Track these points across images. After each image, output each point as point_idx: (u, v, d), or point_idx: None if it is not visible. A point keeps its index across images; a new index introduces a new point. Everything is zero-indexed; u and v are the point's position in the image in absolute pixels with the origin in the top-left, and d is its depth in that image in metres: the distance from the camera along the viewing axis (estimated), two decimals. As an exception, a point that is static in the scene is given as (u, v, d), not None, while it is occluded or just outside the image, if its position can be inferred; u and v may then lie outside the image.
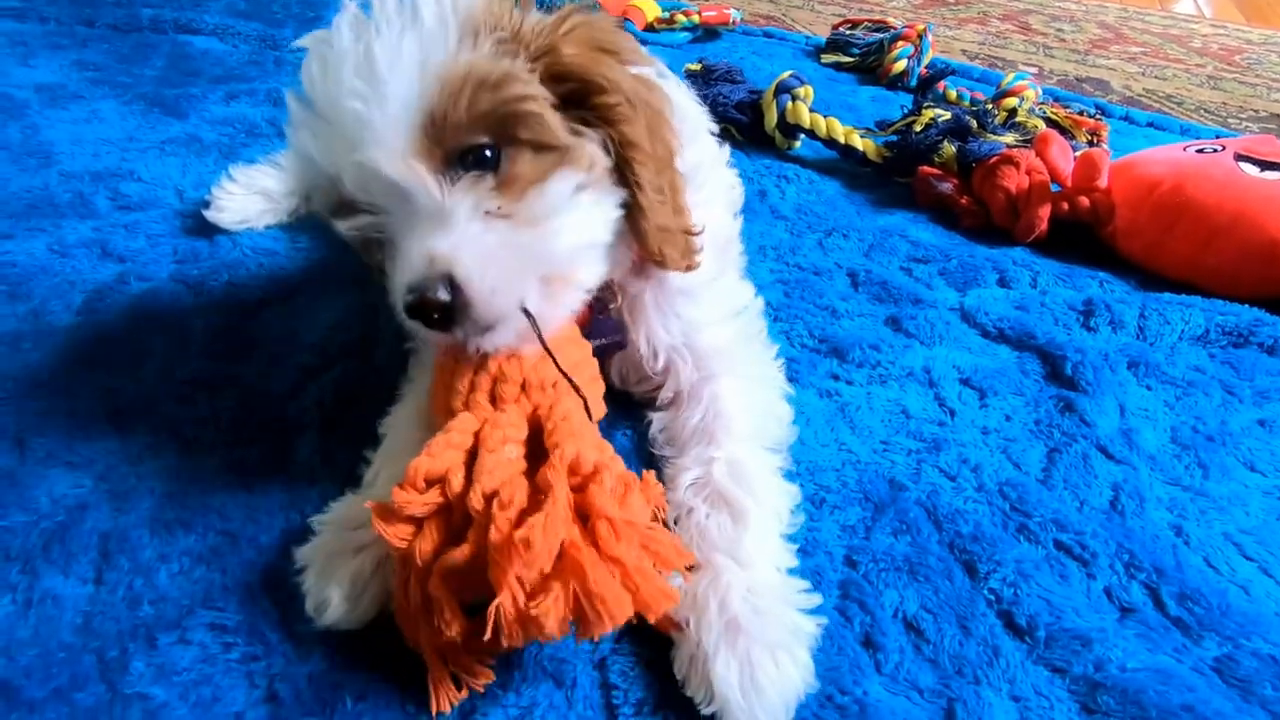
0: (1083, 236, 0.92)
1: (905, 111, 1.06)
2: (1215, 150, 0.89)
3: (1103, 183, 0.89)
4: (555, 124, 0.43)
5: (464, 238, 0.42)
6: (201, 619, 0.47)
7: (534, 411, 0.45)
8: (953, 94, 1.20)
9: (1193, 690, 0.47)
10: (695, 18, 1.48)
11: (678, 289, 0.56)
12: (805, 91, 1.06)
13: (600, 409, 0.49)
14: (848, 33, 1.47)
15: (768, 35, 1.57)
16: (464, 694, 0.43)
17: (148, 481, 0.55)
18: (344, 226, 0.45)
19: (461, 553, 0.40)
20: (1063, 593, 0.52)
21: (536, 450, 0.44)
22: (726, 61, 1.21)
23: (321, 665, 0.45)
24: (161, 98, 1.09)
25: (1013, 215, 0.91)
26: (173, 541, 0.51)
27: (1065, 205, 0.90)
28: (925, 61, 1.35)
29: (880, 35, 1.41)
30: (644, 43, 1.40)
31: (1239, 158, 0.87)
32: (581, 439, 0.43)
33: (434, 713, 0.42)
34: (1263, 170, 0.85)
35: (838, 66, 1.43)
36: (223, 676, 0.44)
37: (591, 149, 0.45)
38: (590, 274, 0.47)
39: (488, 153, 0.43)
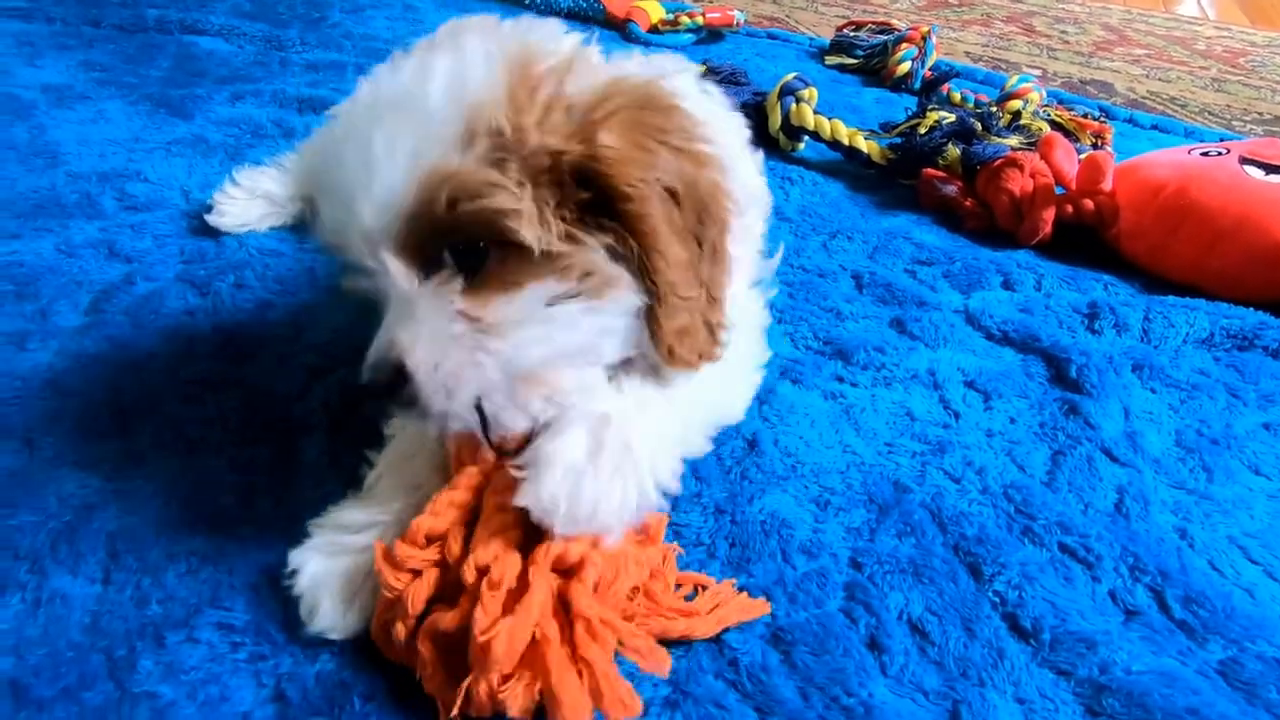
0: (1087, 239, 0.92)
1: (909, 114, 1.06)
2: (1220, 153, 0.89)
3: (1107, 185, 0.89)
4: (533, 234, 0.41)
5: (422, 332, 0.42)
6: (209, 618, 0.47)
7: None
8: (957, 96, 1.20)
9: (1198, 693, 0.47)
10: (699, 19, 1.49)
11: None
12: (810, 94, 1.06)
13: None
14: (852, 35, 1.47)
15: (771, 37, 1.57)
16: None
17: (155, 481, 0.55)
18: (345, 281, 0.46)
19: (451, 618, 0.42)
20: (1067, 595, 0.52)
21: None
22: (731, 64, 1.21)
23: (329, 665, 0.45)
24: (167, 98, 1.09)
25: (1017, 218, 0.91)
26: (180, 541, 0.52)
27: (1069, 208, 0.90)
28: (929, 64, 1.35)
29: (884, 37, 1.41)
30: (648, 44, 1.41)
31: (1244, 161, 0.87)
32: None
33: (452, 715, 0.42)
34: (1268, 174, 0.85)
35: (841, 68, 1.44)
36: (230, 676, 0.45)
37: (589, 258, 0.42)
38: (573, 380, 0.45)
39: (476, 248, 0.42)
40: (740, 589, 0.51)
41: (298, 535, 0.52)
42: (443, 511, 0.44)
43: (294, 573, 0.47)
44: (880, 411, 0.67)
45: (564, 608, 0.42)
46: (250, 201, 0.83)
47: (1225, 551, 0.57)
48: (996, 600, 0.52)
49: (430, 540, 0.44)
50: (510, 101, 0.41)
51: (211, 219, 0.82)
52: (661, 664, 0.43)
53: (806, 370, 0.70)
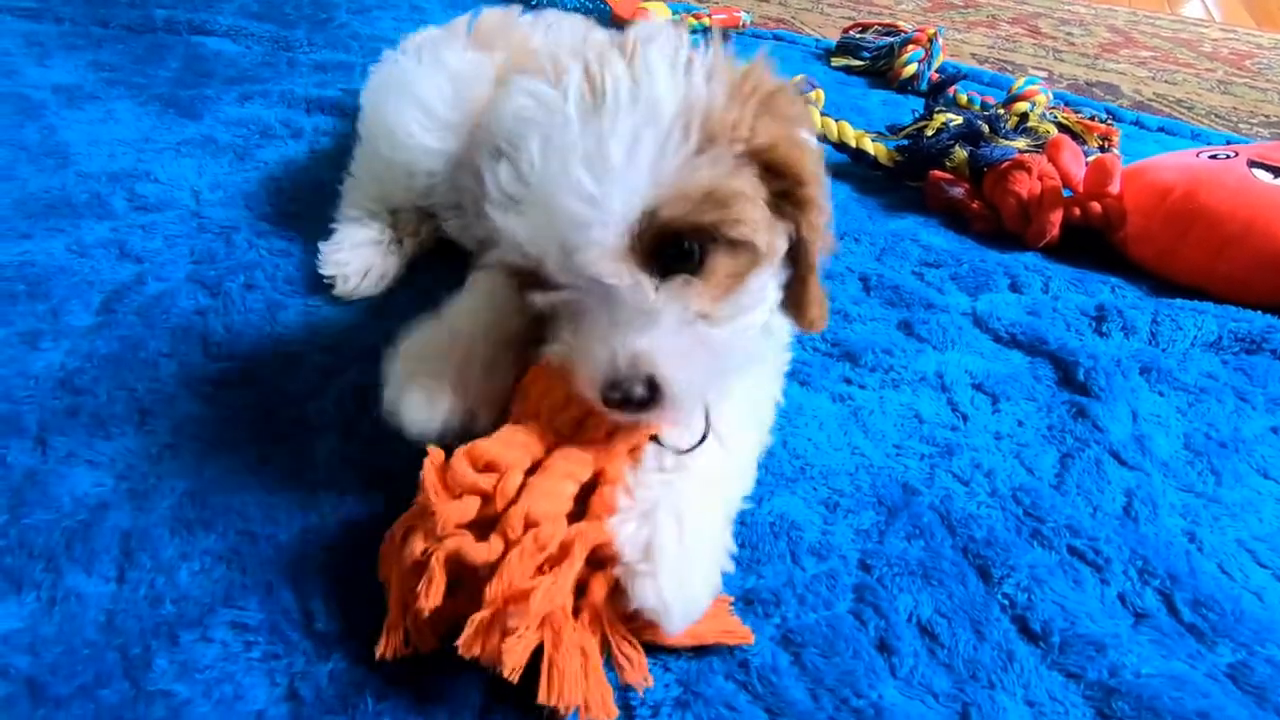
0: (1094, 242, 0.92)
1: (916, 116, 1.06)
2: (1228, 157, 0.89)
3: (1115, 188, 0.89)
4: (763, 229, 0.43)
5: (666, 339, 0.42)
6: (223, 617, 0.47)
7: (603, 466, 0.46)
8: (963, 98, 1.20)
9: (1207, 696, 0.47)
10: (706, 21, 1.49)
11: None
12: (817, 95, 1.06)
13: None
14: (858, 36, 1.47)
15: (777, 38, 1.57)
16: (409, 651, 0.44)
17: (168, 481, 0.56)
18: (537, 298, 0.44)
19: (478, 551, 0.41)
20: (1076, 598, 0.53)
21: (584, 494, 0.45)
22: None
23: (342, 664, 0.45)
24: (176, 99, 1.09)
25: (1024, 220, 0.91)
26: (193, 540, 0.52)
27: (1077, 210, 0.90)
28: (936, 65, 1.35)
29: (890, 39, 1.41)
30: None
31: (1252, 164, 0.87)
32: None
33: (377, 655, 0.44)
34: (1276, 177, 0.85)
35: (848, 70, 1.44)
36: (244, 675, 0.45)
37: (780, 242, 0.46)
38: (760, 354, 0.49)
39: (689, 249, 0.42)
40: (748, 591, 0.51)
41: (313, 534, 0.53)
42: (510, 446, 0.44)
43: (383, 382, 0.50)
44: (888, 414, 0.67)
45: (576, 592, 0.43)
46: (357, 252, 0.76)
47: (1234, 555, 0.57)
48: (1006, 603, 0.52)
49: (487, 468, 0.43)
50: (731, 103, 0.42)
51: (343, 290, 0.74)
52: (645, 679, 0.44)
53: (814, 372, 0.71)
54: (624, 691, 0.45)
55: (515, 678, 0.40)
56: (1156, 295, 0.85)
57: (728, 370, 0.46)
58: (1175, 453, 0.65)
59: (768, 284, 0.47)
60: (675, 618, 0.43)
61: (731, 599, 0.50)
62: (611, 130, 0.39)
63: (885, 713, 0.46)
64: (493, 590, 0.40)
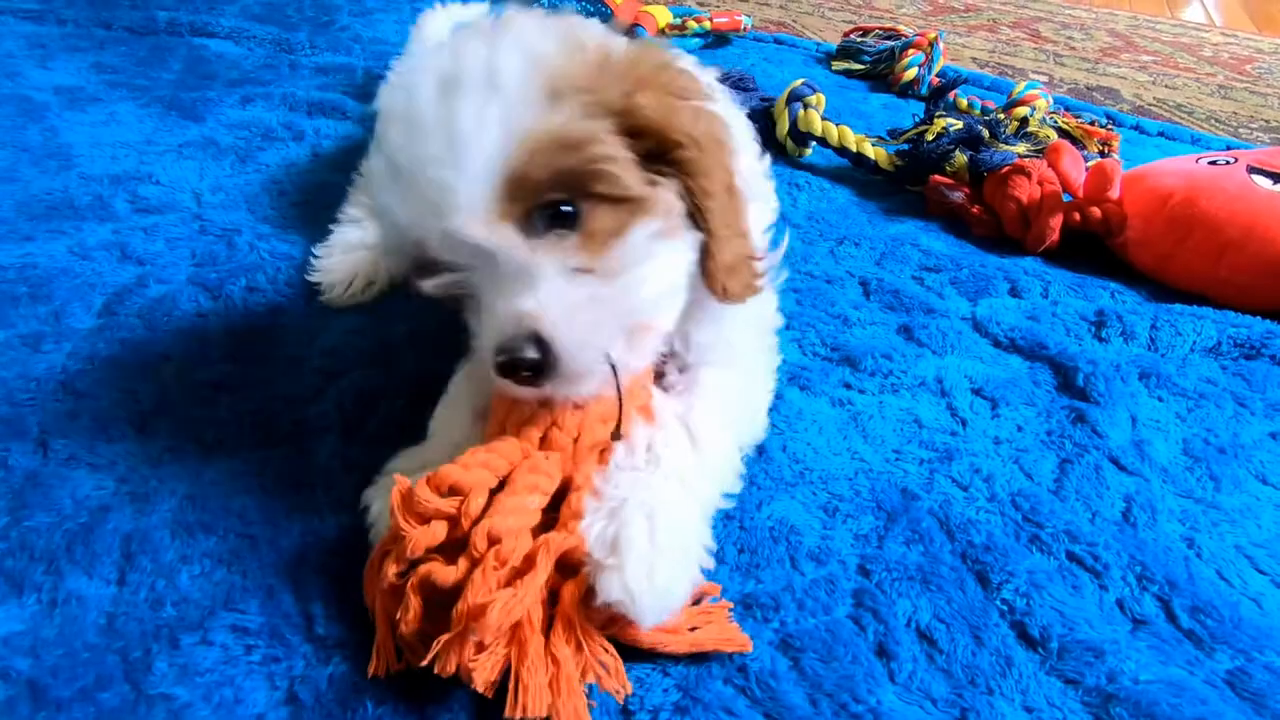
0: (1094, 247, 0.92)
1: (917, 120, 1.06)
2: (1228, 162, 0.89)
3: (1115, 193, 0.89)
4: (633, 178, 0.44)
5: (549, 295, 0.42)
6: (223, 620, 0.48)
7: (570, 474, 0.47)
8: (964, 103, 1.20)
9: (1205, 703, 0.47)
10: (707, 24, 1.49)
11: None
12: (817, 99, 1.07)
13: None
14: (859, 40, 1.48)
15: (778, 42, 1.57)
16: (402, 667, 0.44)
17: (169, 483, 0.56)
18: (428, 285, 0.45)
19: (446, 574, 0.42)
20: (1075, 604, 0.53)
21: (555, 504, 0.46)
22: (738, 69, 1.21)
23: (342, 668, 0.46)
24: (178, 101, 1.10)
25: (1024, 225, 0.91)
26: (194, 543, 0.52)
27: (1077, 215, 0.91)
28: (936, 70, 1.35)
29: (891, 43, 1.41)
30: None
31: (1252, 170, 0.87)
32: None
33: (369, 674, 0.44)
34: (1276, 183, 0.85)
35: (848, 74, 1.44)
36: (244, 678, 0.45)
37: (666, 197, 0.46)
38: (670, 319, 0.48)
39: (566, 208, 0.43)
40: (747, 595, 0.52)
41: (313, 537, 0.53)
42: (472, 468, 0.44)
43: (365, 508, 0.50)
44: (888, 419, 0.67)
45: (550, 601, 0.43)
46: (348, 258, 0.76)
47: (1233, 561, 0.57)
48: (1004, 608, 0.52)
49: (452, 492, 0.44)
50: (583, 63, 0.43)
51: (327, 299, 0.74)
52: (621, 686, 0.44)
53: (814, 377, 0.71)
54: (624, 697, 0.45)
55: (489, 693, 0.40)
56: (1156, 300, 0.85)
57: (628, 329, 0.45)
58: (1174, 458, 0.66)
59: (661, 240, 0.46)
60: (644, 609, 0.42)
61: (731, 604, 0.51)
62: (458, 102, 0.41)
63: (884, 718, 0.46)
64: (459, 609, 0.41)
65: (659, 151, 0.45)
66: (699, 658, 0.48)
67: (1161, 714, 0.46)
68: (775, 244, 0.62)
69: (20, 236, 0.80)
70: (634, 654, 0.47)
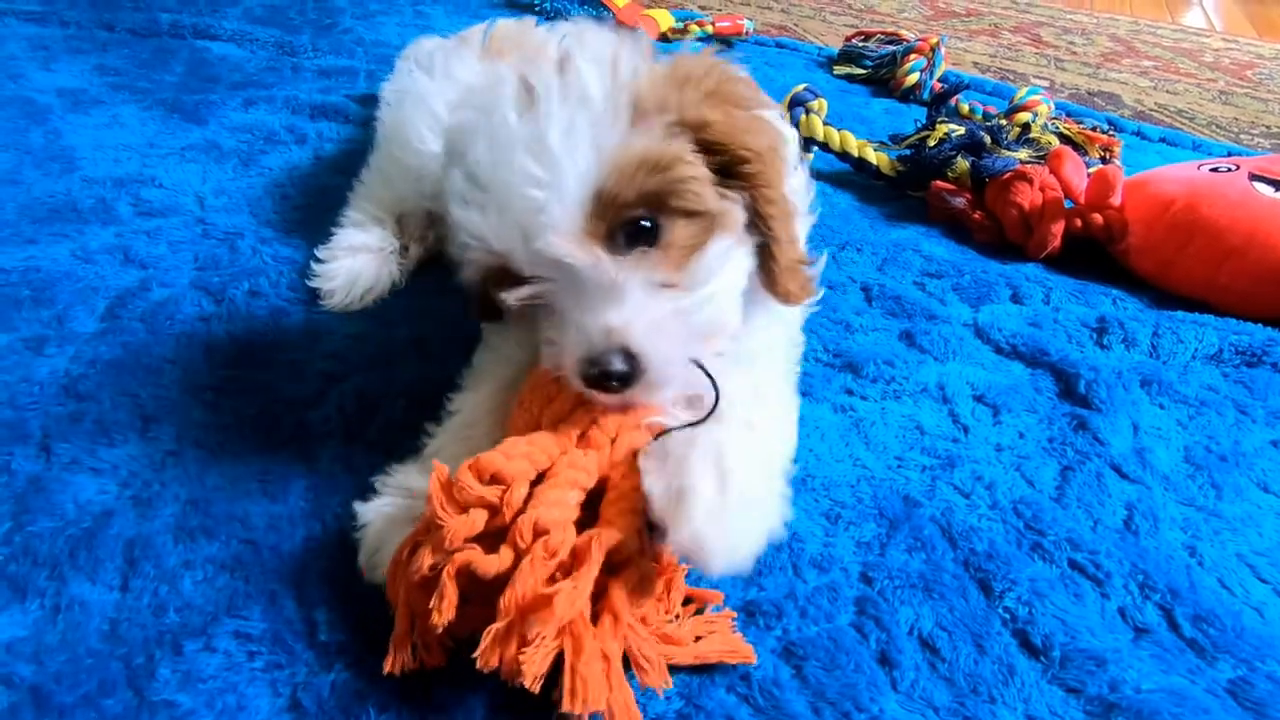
0: (1095, 253, 0.92)
1: (919, 126, 1.07)
2: (1230, 170, 0.89)
3: (1116, 200, 0.89)
4: (710, 195, 0.46)
5: (635, 310, 0.44)
6: (226, 627, 0.48)
7: (608, 473, 0.46)
8: (965, 108, 1.21)
9: (1208, 712, 0.47)
10: (709, 28, 1.49)
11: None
12: (819, 105, 1.07)
13: None
14: (860, 45, 1.48)
15: (780, 46, 1.57)
16: (416, 666, 0.44)
17: (171, 488, 0.56)
18: (509, 297, 0.46)
19: (488, 563, 0.41)
20: (1077, 612, 0.53)
21: (592, 500, 0.45)
22: (740, 73, 1.21)
23: (345, 675, 0.46)
24: (181, 104, 1.10)
25: (1026, 231, 0.92)
26: (196, 549, 0.52)
27: (1078, 222, 0.91)
28: (938, 75, 1.36)
29: (893, 48, 1.41)
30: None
31: (1253, 178, 0.87)
32: (632, 522, 0.44)
33: (385, 671, 0.44)
34: (1277, 190, 0.86)
35: (850, 78, 1.44)
36: (247, 685, 0.45)
37: (735, 210, 0.48)
38: (736, 320, 0.49)
39: (646, 224, 0.45)
40: (749, 603, 0.52)
41: (315, 543, 0.53)
42: (515, 457, 0.44)
43: (362, 525, 0.49)
44: (890, 425, 0.68)
45: (593, 599, 0.42)
46: (351, 260, 0.76)
47: (1234, 570, 0.57)
48: (1007, 617, 0.52)
49: (493, 480, 0.43)
50: (659, 76, 0.45)
51: (329, 303, 0.74)
52: (665, 682, 0.44)
53: (816, 383, 0.71)
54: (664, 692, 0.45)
55: (537, 687, 0.39)
56: (1158, 307, 0.85)
57: (705, 338, 0.47)
58: (1176, 466, 0.66)
59: (732, 251, 0.48)
60: (715, 555, 0.41)
61: (734, 613, 0.50)
62: (547, 120, 0.42)
63: (886, 727, 0.46)
64: (507, 600, 0.40)
65: (728, 165, 0.47)
66: (701, 665, 0.48)
67: (1164, 723, 0.46)
68: (815, 252, 0.61)
69: (23, 239, 0.80)
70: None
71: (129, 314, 0.72)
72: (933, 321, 0.80)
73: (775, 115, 0.56)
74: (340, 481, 0.57)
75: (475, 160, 0.44)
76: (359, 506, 0.50)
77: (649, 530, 0.45)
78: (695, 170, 0.45)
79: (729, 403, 0.47)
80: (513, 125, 0.43)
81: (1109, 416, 0.69)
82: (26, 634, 0.47)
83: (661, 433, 0.47)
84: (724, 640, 0.48)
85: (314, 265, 0.76)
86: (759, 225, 0.49)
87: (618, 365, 0.44)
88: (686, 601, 0.50)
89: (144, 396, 0.64)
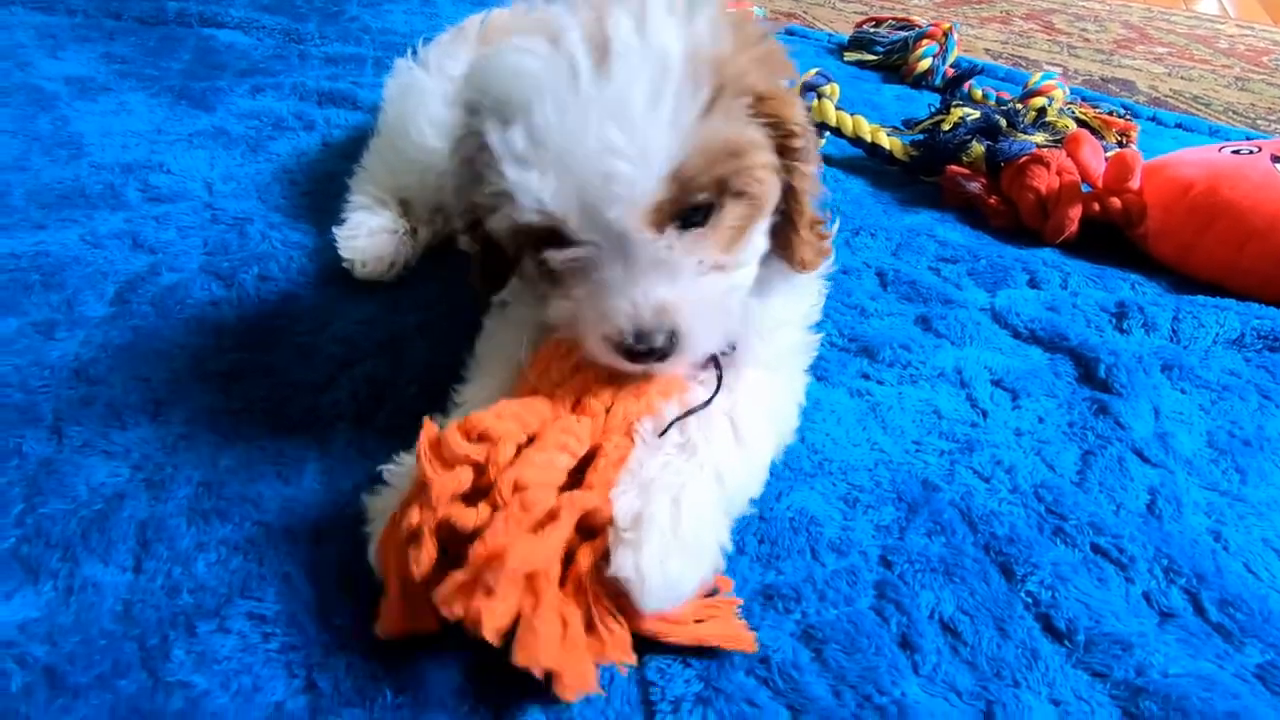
0: (1113, 238, 0.91)
1: (933, 110, 1.05)
2: (1251, 152, 0.88)
3: (1135, 184, 0.88)
4: (771, 179, 0.45)
5: (686, 291, 0.44)
6: (240, 608, 0.47)
7: (600, 441, 0.46)
8: (978, 94, 1.19)
9: (1237, 697, 0.46)
10: (717, 15, 1.48)
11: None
12: (832, 89, 1.06)
13: None
14: (871, 30, 1.46)
15: (789, 33, 1.56)
16: (408, 628, 0.44)
17: (184, 471, 0.56)
18: (554, 258, 0.44)
19: (466, 516, 0.41)
20: (1101, 596, 0.52)
21: (580, 469, 0.45)
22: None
23: (360, 657, 0.45)
24: (188, 91, 1.09)
25: (1042, 216, 0.90)
26: (209, 531, 0.52)
27: (1096, 206, 0.89)
28: (950, 60, 1.34)
29: (904, 34, 1.40)
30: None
31: (1276, 159, 0.86)
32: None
33: (376, 632, 0.44)
34: (1300, 172, 0.84)
35: (861, 64, 1.43)
36: (262, 666, 0.45)
37: (778, 188, 0.47)
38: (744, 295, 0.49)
39: (705, 201, 0.43)
40: (768, 586, 0.51)
41: (327, 525, 0.52)
42: (505, 417, 0.44)
43: (371, 519, 0.48)
44: (907, 409, 0.67)
45: (565, 562, 0.42)
46: (373, 239, 0.76)
47: (1260, 554, 0.56)
48: (1029, 601, 0.51)
49: (481, 439, 0.43)
50: (736, 52, 0.43)
51: (360, 274, 0.75)
52: (625, 655, 0.43)
53: (832, 367, 0.70)
54: (644, 687, 0.45)
55: (497, 641, 0.39)
56: (1177, 292, 0.84)
57: (729, 319, 0.47)
58: (1198, 450, 0.65)
59: (763, 231, 0.48)
60: (650, 593, 0.42)
61: (740, 601, 0.49)
62: (628, 84, 0.39)
63: (909, 711, 0.45)
64: (475, 551, 0.39)
65: (779, 141, 0.46)
66: (720, 648, 0.47)
67: (1193, 708, 0.45)
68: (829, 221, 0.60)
69: (32, 225, 0.80)
70: (655, 644, 0.46)
71: (139, 299, 0.72)
72: (949, 306, 0.79)
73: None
74: (353, 465, 0.57)
75: (540, 118, 0.40)
76: (367, 499, 0.49)
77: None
78: (767, 157, 0.44)
79: (708, 443, 0.48)
80: (585, 83, 0.39)
81: (1130, 401, 0.68)
82: (39, 615, 0.46)
83: (665, 429, 0.48)
84: (725, 625, 0.47)
85: (339, 242, 0.75)
86: (787, 198, 0.48)
87: (661, 342, 0.44)
88: None
89: (155, 380, 0.63)
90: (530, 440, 0.44)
